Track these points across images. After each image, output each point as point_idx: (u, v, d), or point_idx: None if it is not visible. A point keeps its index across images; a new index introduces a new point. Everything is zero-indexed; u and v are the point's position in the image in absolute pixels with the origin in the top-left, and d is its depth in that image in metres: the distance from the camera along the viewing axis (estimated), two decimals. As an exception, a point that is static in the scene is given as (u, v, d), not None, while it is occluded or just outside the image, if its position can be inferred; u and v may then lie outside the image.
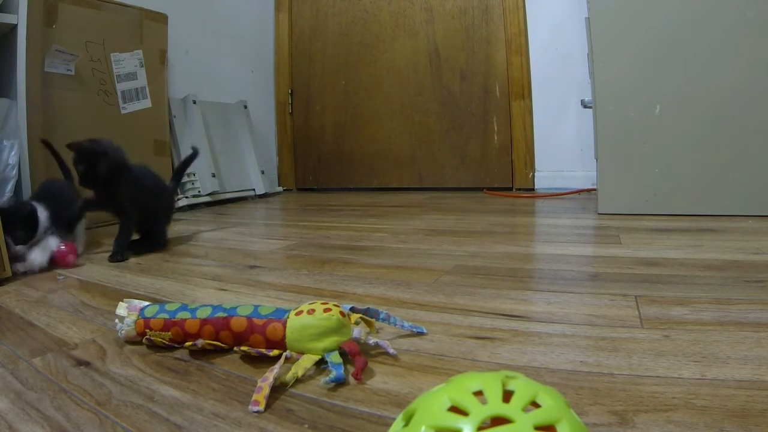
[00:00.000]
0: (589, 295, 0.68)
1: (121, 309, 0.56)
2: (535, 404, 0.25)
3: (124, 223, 1.06)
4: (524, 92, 2.14)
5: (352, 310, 0.55)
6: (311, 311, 0.51)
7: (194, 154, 1.28)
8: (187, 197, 1.90)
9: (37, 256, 0.96)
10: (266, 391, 0.42)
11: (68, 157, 1.07)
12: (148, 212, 1.11)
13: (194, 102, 2.03)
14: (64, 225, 1.04)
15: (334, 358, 0.47)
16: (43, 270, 0.96)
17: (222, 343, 0.53)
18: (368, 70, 2.48)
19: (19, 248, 0.94)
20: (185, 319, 0.54)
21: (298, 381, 0.46)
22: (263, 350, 0.50)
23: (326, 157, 2.61)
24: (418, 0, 2.34)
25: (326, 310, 0.50)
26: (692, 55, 1.26)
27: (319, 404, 0.42)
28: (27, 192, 1.19)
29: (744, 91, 1.22)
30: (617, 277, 0.76)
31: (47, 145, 1.20)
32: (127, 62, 1.67)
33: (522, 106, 2.15)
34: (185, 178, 1.92)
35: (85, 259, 1.07)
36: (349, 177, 2.57)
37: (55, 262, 0.99)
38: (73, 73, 1.49)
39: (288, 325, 0.51)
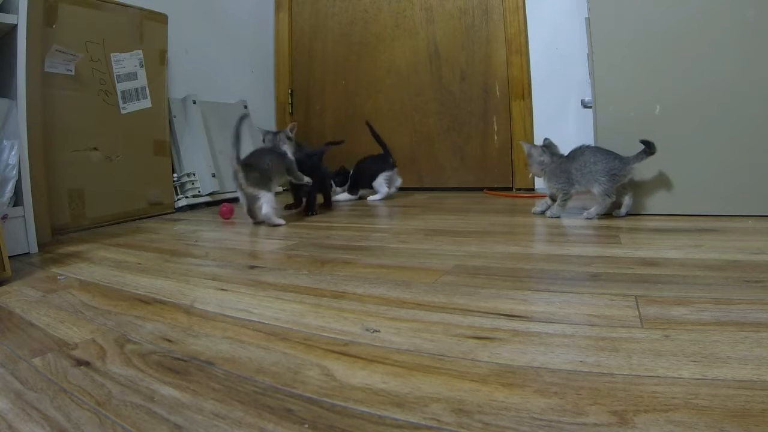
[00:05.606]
0: (589, 295, 0.68)
1: None
2: None
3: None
4: (524, 92, 2.14)
5: None
6: None
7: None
8: (187, 197, 1.90)
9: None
10: None
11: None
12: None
13: (194, 102, 2.03)
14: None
15: None
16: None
17: None
18: (368, 70, 2.47)
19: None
20: None
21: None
22: None
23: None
24: (418, 0, 2.34)
25: None
26: (692, 56, 1.25)
27: (319, 404, 0.42)
28: (26, 192, 1.18)
29: (744, 90, 1.22)
30: (617, 277, 0.76)
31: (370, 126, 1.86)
32: (127, 62, 1.67)
33: (522, 106, 2.15)
34: (185, 178, 1.92)
35: (85, 259, 1.07)
36: (349, 177, 2.56)
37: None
38: (73, 73, 1.49)
39: None
